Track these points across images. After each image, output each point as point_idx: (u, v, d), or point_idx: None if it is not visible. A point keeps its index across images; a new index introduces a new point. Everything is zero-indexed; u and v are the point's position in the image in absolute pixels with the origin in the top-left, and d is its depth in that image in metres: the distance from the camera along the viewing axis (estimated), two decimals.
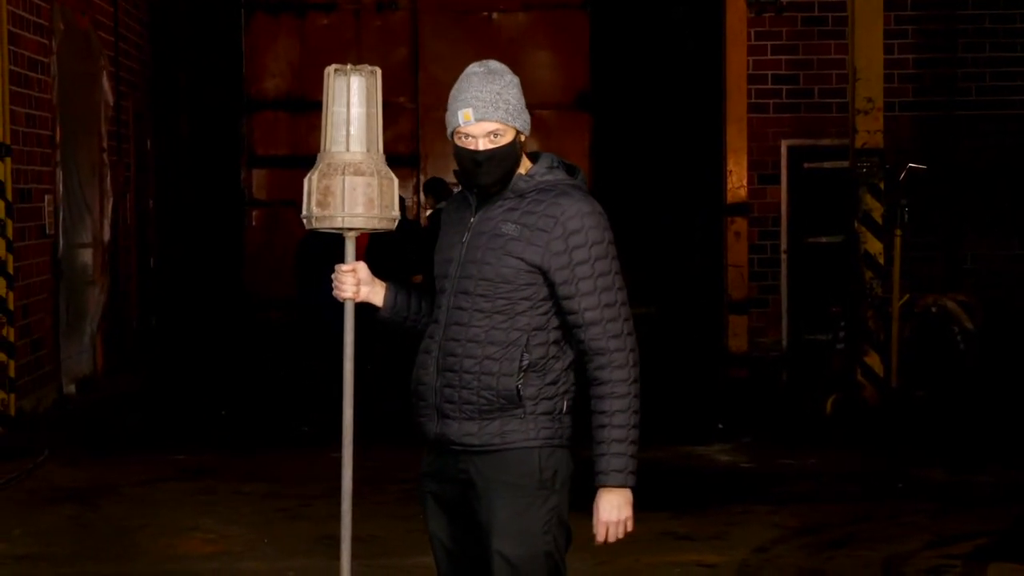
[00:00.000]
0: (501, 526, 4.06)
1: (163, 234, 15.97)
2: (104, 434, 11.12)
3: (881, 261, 11.74)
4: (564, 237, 4.04)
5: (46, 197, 12.01)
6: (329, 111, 4.23)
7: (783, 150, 14.29)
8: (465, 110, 4.06)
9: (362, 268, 4.28)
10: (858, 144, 11.67)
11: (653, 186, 17.19)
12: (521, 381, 4.06)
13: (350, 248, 4.29)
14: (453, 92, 4.12)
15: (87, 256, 13.18)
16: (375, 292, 4.31)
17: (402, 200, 12.52)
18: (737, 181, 14.27)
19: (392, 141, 14.59)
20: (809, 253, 14.08)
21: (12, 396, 10.91)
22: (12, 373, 10.92)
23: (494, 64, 4.13)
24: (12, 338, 10.93)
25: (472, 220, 4.17)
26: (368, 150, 4.24)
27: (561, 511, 4.13)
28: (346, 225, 4.23)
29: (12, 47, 11.05)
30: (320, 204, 4.21)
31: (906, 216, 12.02)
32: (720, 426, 11.30)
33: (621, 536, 4.12)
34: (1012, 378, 12.29)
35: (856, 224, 11.72)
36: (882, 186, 11.71)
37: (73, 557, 7.44)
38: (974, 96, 14.18)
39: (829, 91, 14.03)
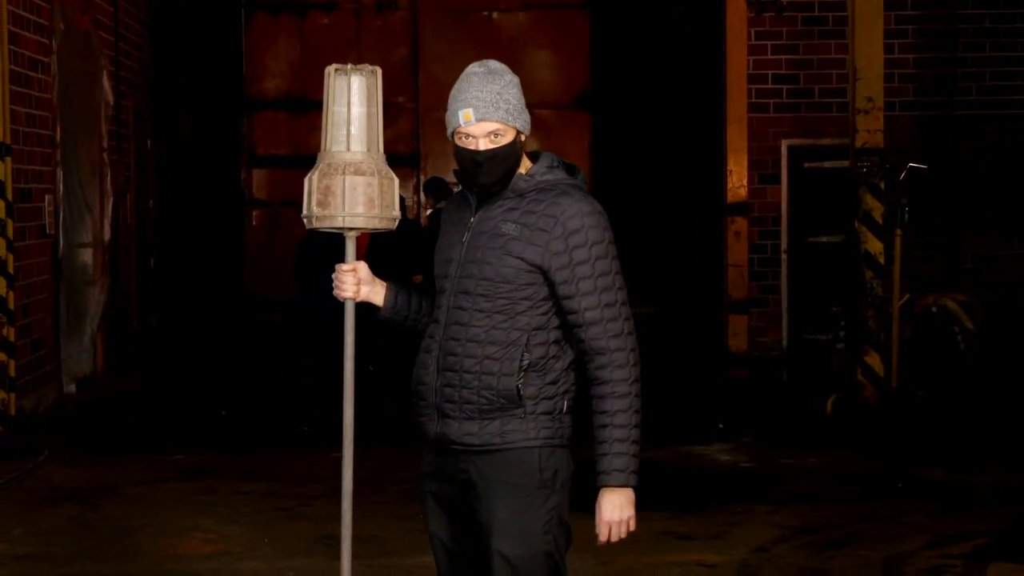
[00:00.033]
0: (501, 526, 4.06)
1: (163, 234, 15.97)
2: (104, 434, 11.12)
3: (881, 261, 11.74)
4: (564, 237, 4.04)
5: (46, 197, 12.01)
6: (330, 111, 4.23)
7: (783, 150, 14.29)
8: (465, 110, 4.05)
9: (362, 268, 4.28)
10: (858, 144, 11.67)
11: (653, 186, 17.19)
12: (521, 381, 4.06)
13: (350, 248, 4.29)
14: (453, 92, 4.11)
15: (87, 256, 13.18)
16: (375, 292, 4.30)
17: (402, 200, 12.54)
18: (737, 181, 14.27)
19: (392, 141, 14.58)
20: (809, 253, 14.08)
21: (12, 396, 10.91)
22: (12, 373, 10.92)
23: (494, 64, 4.12)
24: (12, 338, 10.93)
25: (472, 220, 4.17)
26: (368, 150, 4.24)
27: (561, 511, 4.13)
28: (347, 225, 4.23)
29: (12, 47, 11.05)
30: (321, 204, 4.21)
31: (906, 216, 12.01)
32: (720, 426, 11.30)
33: (624, 536, 4.12)
34: (1012, 378, 12.29)
35: (856, 224, 11.72)
36: (882, 186, 11.71)
37: (73, 557, 7.43)
38: (974, 96, 14.18)
39: (829, 91, 14.03)
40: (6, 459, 9.73)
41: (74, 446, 10.44)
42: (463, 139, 4.09)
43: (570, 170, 4.21)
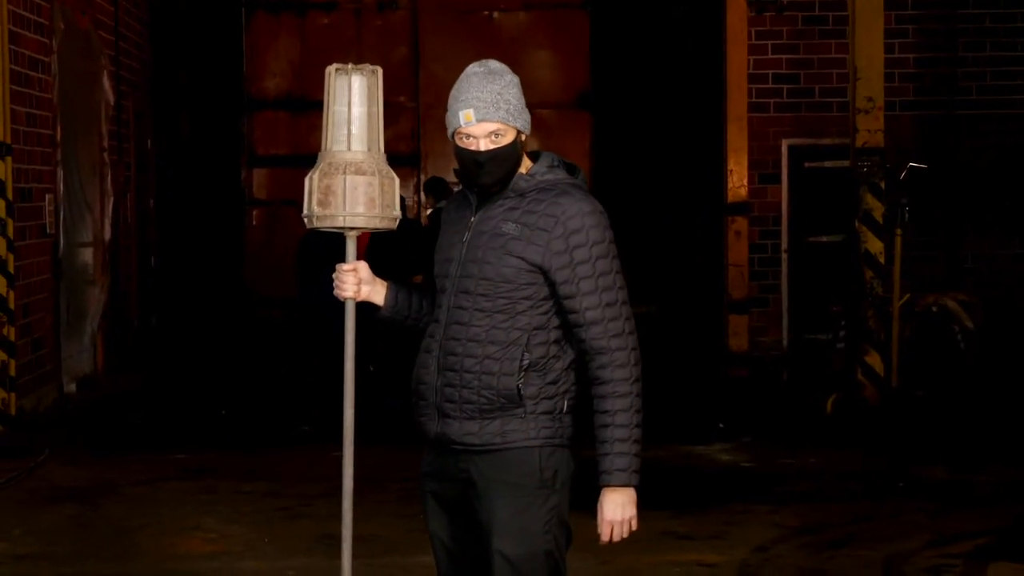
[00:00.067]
0: (501, 525, 4.06)
1: (164, 233, 15.97)
2: (105, 433, 11.12)
3: (882, 260, 11.74)
4: (565, 236, 4.04)
5: (47, 196, 12.01)
6: (330, 110, 4.23)
7: (784, 149, 14.29)
8: (466, 111, 4.05)
9: (363, 267, 4.28)
10: (859, 143, 11.67)
11: (654, 185, 17.19)
12: (522, 380, 4.06)
13: (351, 247, 4.29)
14: (453, 93, 4.11)
15: (88, 255, 13.18)
16: (376, 291, 4.30)
17: (402, 199, 12.53)
18: (738, 180, 14.27)
19: (393, 140, 14.61)
20: (810, 252, 14.08)
21: (12, 395, 10.91)
22: (12, 372, 10.92)
23: (494, 64, 4.12)
24: (12, 337, 10.94)
25: (473, 219, 4.17)
26: (369, 149, 4.24)
27: (561, 511, 4.13)
28: (347, 224, 4.23)
29: (13, 46, 11.05)
30: (321, 203, 4.21)
31: (907, 215, 12.01)
32: (720, 425, 11.30)
33: (626, 535, 4.12)
34: (1012, 377, 12.29)
35: (857, 223, 11.72)
36: (883, 185, 11.71)
37: (73, 556, 7.43)
38: (975, 95, 14.18)
39: (830, 90, 14.03)
40: (6, 458, 9.73)
41: (74, 445, 10.44)
42: (464, 139, 4.09)
43: (570, 170, 4.21)
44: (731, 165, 14.27)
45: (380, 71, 4.28)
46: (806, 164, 14.03)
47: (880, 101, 11.65)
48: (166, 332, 15.79)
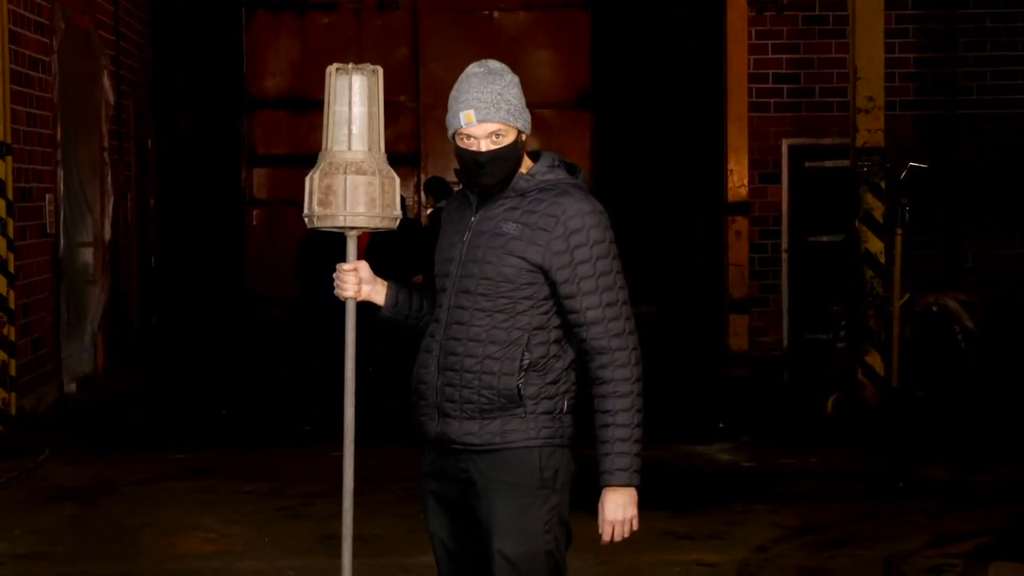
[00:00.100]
0: (502, 525, 4.06)
1: (164, 233, 15.97)
2: (105, 433, 11.12)
3: (882, 260, 11.74)
4: (565, 236, 4.04)
5: (47, 196, 12.01)
6: (331, 110, 4.23)
7: (784, 149, 14.28)
8: (467, 112, 4.05)
9: (364, 267, 4.28)
10: (859, 143, 11.67)
11: (654, 185, 17.19)
12: (522, 380, 4.06)
13: (352, 247, 4.29)
14: (453, 93, 4.11)
15: (88, 255, 13.18)
16: (376, 291, 4.30)
17: (403, 199, 12.53)
18: (738, 180, 14.26)
19: (393, 140, 14.58)
20: (810, 252, 14.08)
21: (13, 395, 10.91)
22: (13, 372, 10.92)
23: (494, 64, 4.12)
24: (13, 337, 10.93)
25: (473, 219, 4.17)
26: (370, 149, 4.24)
27: (562, 510, 4.13)
28: (348, 224, 4.23)
29: (13, 46, 11.05)
30: (322, 203, 4.21)
31: (907, 215, 12.01)
32: (721, 425, 11.30)
33: (627, 535, 4.12)
34: (1013, 377, 12.29)
35: (857, 223, 11.72)
36: (883, 185, 11.71)
37: (74, 556, 7.43)
38: (975, 95, 14.17)
39: (830, 90, 14.03)
40: (7, 458, 9.73)
41: (75, 445, 10.44)
42: (464, 140, 4.09)
43: (571, 170, 4.21)
44: (731, 165, 14.26)
45: (381, 71, 4.28)
46: (806, 164, 14.03)
47: (880, 101, 11.65)
48: (166, 332, 15.79)
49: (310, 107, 17.83)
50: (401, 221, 4.34)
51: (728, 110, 14.24)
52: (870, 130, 11.63)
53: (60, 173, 12.35)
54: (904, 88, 13.89)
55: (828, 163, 13.62)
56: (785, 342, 14.34)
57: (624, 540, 4.15)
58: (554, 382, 4.10)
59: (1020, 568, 7.27)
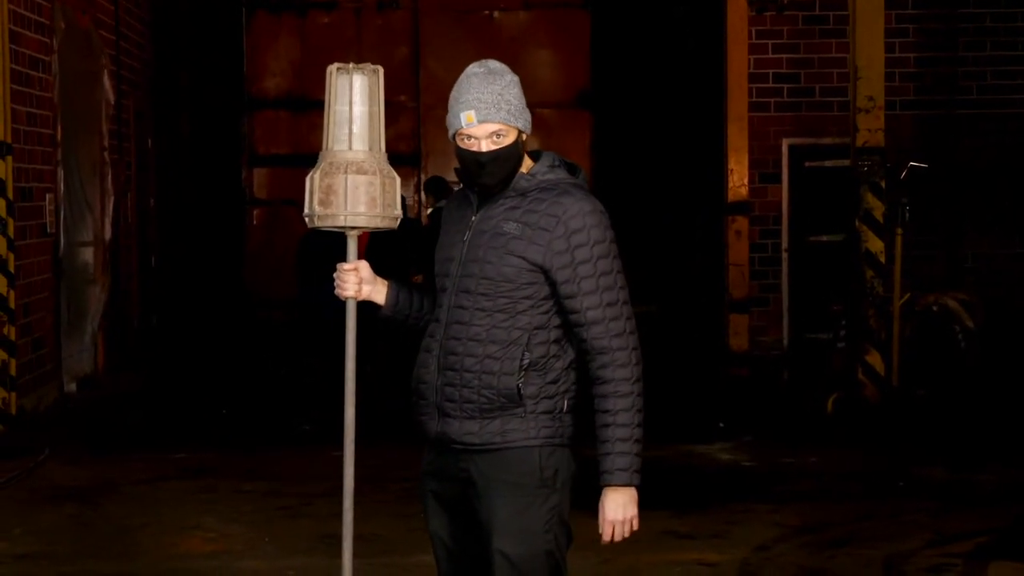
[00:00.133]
0: (502, 525, 4.07)
1: (164, 233, 15.97)
2: (105, 433, 11.12)
3: (882, 260, 11.74)
4: (566, 236, 4.04)
5: (47, 196, 12.01)
6: (331, 110, 4.23)
7: (784, 149, 14.28)
8: (467, 112, 4.05)
9: (364, 267, 4.28)
10: (859, 143, 11.67)
11: (654, 185, 17.18)
12: (522, 380, 4.06)
13: (352, 247, 4.29)
14: (454, 94, 4.11)
15: (88, 255, 13.18)
16: (377, 291, 4.31)
17: (403, 199, 12.52)
18: (738, 180, 14.26)
19: (393, 140, 14.53)
20: (810, 252, 14.08)
21: (13, 395, 10.91)
22: (13, 372, 10.92)
23: (494, 64, 4.12)
24: (13, 337, 10.94)
25: (473, 219, 4.17)
26: (370, 149, 4.25)
27: (562, 510, 4.13)
28: (348, 224, 4.23)
29: (13, 45, 11.05)
30: (322, 203, 4.21)
31: (907, 215, 12.02)
32: (721, 425, 11.30)
33: (627, 535, 4.13)
34: (1013, 377, 12.29)
35: (857, 223, 11.72)
36: (883, 185, 11.71)
37: (74, 556, 7.44)
38: (975, 95, 14.18)
39: (830, 90, 14.03)
40: (7, 458, 9.73)
41: (75, 445, 10.44)
42: (465, 140, 4.09)
43: (571, 169, 4.22)
44: (731, 164, 14.26)
45: (381, 70, 4.28)
46: (806, 163, 14.03)
47: (880, 100, 11.65)
48: (166, 332, 15.79)
49: (310, 107, 17.83)
50: (401, 221, 4.34)
51: (728, 110, 14.24)
52: (870, 130, 11.64)
53: (60, 173, 12.35)
54: (904, 88, 13.90)
55: (828, 163, 13.61)
56: (785, 342, 14.34)
57: (624, 540, 4.15)
58: (554, 382, 4.10)
59: (1020, 568, 7.27)
